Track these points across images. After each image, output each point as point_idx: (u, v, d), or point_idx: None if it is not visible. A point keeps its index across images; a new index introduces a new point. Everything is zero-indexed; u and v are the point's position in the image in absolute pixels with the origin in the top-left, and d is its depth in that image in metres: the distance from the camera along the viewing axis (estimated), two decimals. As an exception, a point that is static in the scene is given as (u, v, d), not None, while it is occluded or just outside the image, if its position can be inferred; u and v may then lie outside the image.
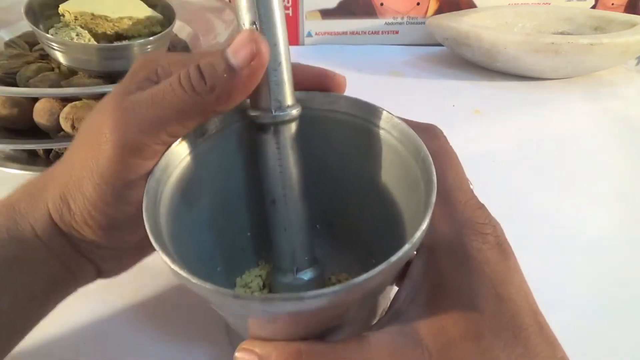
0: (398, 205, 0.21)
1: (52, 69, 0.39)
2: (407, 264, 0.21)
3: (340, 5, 0.66)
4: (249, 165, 0.25)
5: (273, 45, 0.20)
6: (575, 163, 0.44)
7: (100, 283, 0.24)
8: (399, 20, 0.68)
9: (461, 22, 0.58)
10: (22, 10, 0.37)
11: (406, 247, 0.17)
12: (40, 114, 0.36)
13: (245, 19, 0.19)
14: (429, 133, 0.22)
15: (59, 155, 0.36)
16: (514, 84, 0.58)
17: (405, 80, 0.60)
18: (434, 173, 0.19)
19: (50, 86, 0.36)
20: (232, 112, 0.23)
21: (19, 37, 0.43)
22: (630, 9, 0.69)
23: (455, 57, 0.64)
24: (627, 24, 0.58)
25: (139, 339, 0.28)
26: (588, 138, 0.48)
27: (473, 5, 0.67)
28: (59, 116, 0.35)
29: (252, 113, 0.21)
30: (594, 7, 0.69)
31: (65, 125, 0.35)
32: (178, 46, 0.46)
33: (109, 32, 0.40)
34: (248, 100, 0.22)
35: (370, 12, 0.67)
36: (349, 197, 0.26)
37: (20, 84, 0.37)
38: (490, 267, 0.19)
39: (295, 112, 0.21)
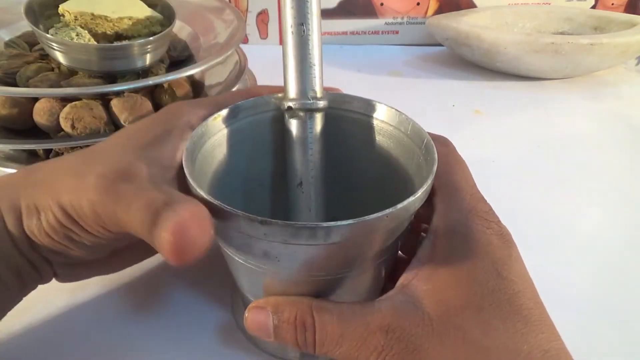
0: (401, 192, 0.22)
1: (52, 69, 0.39)
2: (411, 252, 0.22)
3: (340, 5, 0.66)
4: (273, 153, 0.27)
5: (313, 46, 0.23)
6: (575, 163, 0.44)
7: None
8: (399, 20, 0.68)
9: (461, 22, 0.58)
10: (22, 10, 0.37)
11: (410, 198, 0.19)
12: (40, 114, 0.36)
13: (292, 21, 0.22)
14: (439, 141, 0.24)
15: (58, 155, 0.36)
16: (514, 84, 0.58)
17: (405, 80, 0.60)
18: (435, 152, 0.22)
19: (51, 86, 0.36)
20: (263, 101, 0.26)
21: (19, 37, 0.43)
22: (630, 9, 0.69)
23: (455, 57, 0.64)
24: (627, 24, 0.58)
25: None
26: (588, 138, 0.48)
27: (473, 5, 0.67)
28: (59, 116, 0.35)
29: (290, 100, 0.24)
30: (594, 7, 0.69)
31: (65, 125, 0.35)
32: (178, 46, 0.46)
33: (108, 32, 0.40)
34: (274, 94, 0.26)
35: (370, 12, 0.67)
36: (355, 193, 0.28)
37: (20, 84, 0.37)
38: (492, 249, 0.20)
39: (326, 102, 0.24)
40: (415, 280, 0.20)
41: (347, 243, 0.19)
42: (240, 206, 0.18)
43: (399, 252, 0.25)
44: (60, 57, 0.37)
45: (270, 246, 0.19)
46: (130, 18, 0.40)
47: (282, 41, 0.23)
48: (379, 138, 0.26)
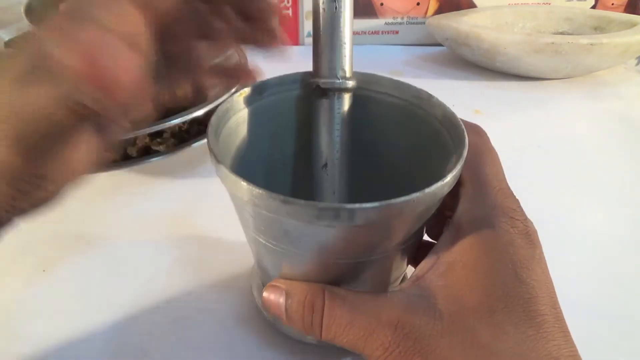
0: (428, 179, 0.22)
1: None
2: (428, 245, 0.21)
3: (340, 5, 0.66)
4: (297, 132, 0.27)
5: (344, 24, 0.22)
6: (575, 163, 0.44)
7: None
8: (399, 20, 0.68)
9: (461, 22, 0.58)
10: (22, 9, 0.37)
11: (438, 183, 0.18)
12: None
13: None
14: (473, 129, 0.24)
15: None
16: (514, 84, 0.58)
17: (405, 80, 0.59)
18: (466, 138, 0.21)
19: None
20: (289, 79, 0.25)
21: (19, 37, 0.42)
22: (630, 9, 0.69)
23: (455, 57, 0.64)
24: (627, 24, 0.58)
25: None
26: (588, 138, 0.48)
27: (473, 5, 0.67)
28: None
29: (320, 79, 0.23)
30: (594, 7, 0.69)
31: None
32: None
33: None
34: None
35: (370, 12, 0.67)
36: (381, 176, 0.27)
37: None
38: (514, 250, 0.19)
39: (355, 83, 0.24)
40: (431, 274, 0.20)
41: (371, 226, 0.18)
42: (262, 184, 0.18)
43: (425, 235, 0.25)
44: None
45: (291, 226, 0.19)
46: None
47: (313, 17, 0.23)
48: (407, 121, 0.25)
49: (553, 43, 0.53)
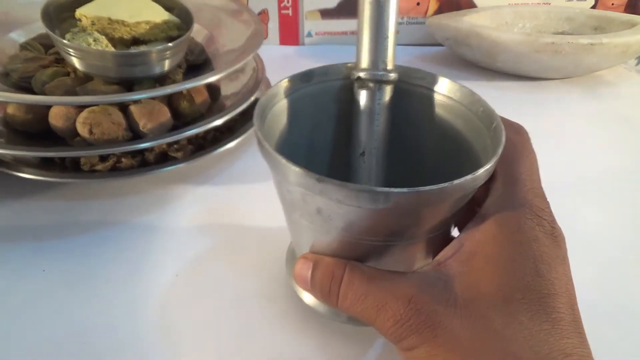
0: (463, 174, 0.22)
1: (68, 74, 0.38)
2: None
3: (340, 5, 0.66)
4: (338, 121, 0.28)
5: (388, 17, 0.23)
6: (575, 163, 0.44)
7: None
8: (399, 20, 0.68)
9: (461, 22, 0.58)
10: (39, 14, 0.36)
11: (468, 176, 0.19)
12: (56, 118, 0.35)
13: None
14: (513, 128, 0.24)
15: (75, 161, 0.35)
16: (514, 84, 0.58)
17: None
18: (503, 136, 0.21)
19: (66, 92, 0.36)
20: (334, 69, 0.26)
21: (34, 39, 0.42)
22: (630, 9, 0.69)
23: (455, 57, 0.64)
24: (627, 24, 0.58)
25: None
26: (588, 138, 0.48)
27: (473, 5, 0.67)
28: (75, 121, 0.35)
29: (361, 71, 0.24)
30: (594, 7, 0.69)
31: (82, 131, 0.34)
32: (195, 50, 0.45)
33: (125, 37, 0.39)
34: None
35: (370, 12, 0.67)
36: (417, 168, 0.28)
37: (35, 89, 0.37)
38: (538, 246, 0.20)
39: (396, 75, 0.24)
40: (452, 260, 0.20)
41: (399, 211, 0.19)
42: (301, 166, 0.19)
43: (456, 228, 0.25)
44: (76, 62, 0.36)
45: (324, 204, 0.20)
46: (147, 22, 0.39)
47: (358, 10, 0.23)
48: (446, 115, 0.26)
49: (553, 43, 0.53)
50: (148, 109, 0.36)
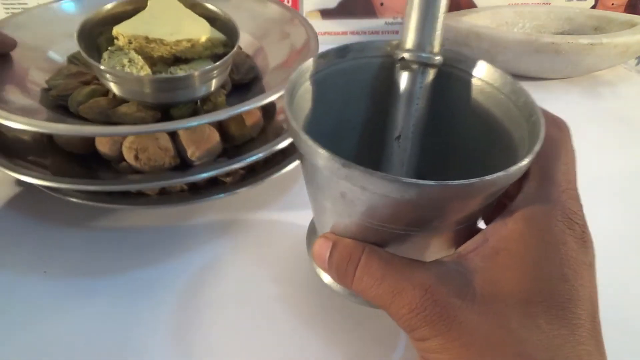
0: (497, 166, 0.22)
1: (106, 93, 0.36)
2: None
3: (340, 5, 0.66)
4: (370, 99, 0.27)
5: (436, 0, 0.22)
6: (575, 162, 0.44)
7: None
8: (399, 20, 0.68)
9: (461, 22, 0.58)
10: (75, 35, 0.33)
11: (500, 173, 0.18)
12: (103, 142, 0.34)
13: None
14: (554, 123, 0.23)
15: (119, 172, 0.33)
16: (514, 84, 0.58)
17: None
18: (542, 131, 0.20)
19: (100, 113, 0.34)
20: (372, 46, 0.25)
21: (75, 55, 0.40)
22: (630, 9, 0.69)
23: (455, 57, 0.64)
24: (627, 24, 0.58)
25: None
26: (588, 138, 0.48)
27: (473, 5, 0.67)
28: (121, 144, 0.33)
29: (406, 52, 0.23)
30: (594, 7, 0.69)
31: (128, 156, 0.33)
32: (242, 68, 0.41)
33: (166, 56, 0.36)
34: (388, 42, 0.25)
35: (370, 12, 0.67)
36: (451, 155, 0.27)
37: (71, 108, 0.35)
38: (566, 250, 0.19)
39: (441, 59, 0.23)
40: (474, 254, 0.20)
41: (424, 203, 0.19)
42: (329, 145, 0.19)
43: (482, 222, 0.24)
44: (113, 87, 0.34)
45: (348, 189, 0.19)
46: (189, 40, 0.36)
47: None
48: (485, 103, 0.25)
49: (553, 43, 0.53)
50: (197, 135, 0.34)
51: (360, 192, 0.19)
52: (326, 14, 0.67)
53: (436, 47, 0.23)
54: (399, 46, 0.24)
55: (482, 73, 0.24)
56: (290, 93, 0.22)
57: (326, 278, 0.26)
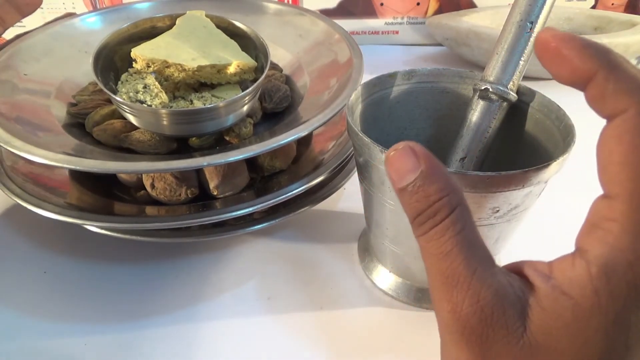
0: None
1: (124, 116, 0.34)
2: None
3: (340, 5, 0.66)
4: (436, 120, 0.30)
5: (530, 44, 0.25)
6: (575, 162, 0.44)
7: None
8: (399, 20, 0.68)
9: (461, 22, 0.58)
10: (91, 62, 0.31)
11: (539, 166, 0.22)
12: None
13: (523, 16, 0.24)
14: None
15: (142, 210, 0.31)
16: (514, 84, 0.58)
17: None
18: (574, 133, 0.24)
19: (114, 137, 0.33)
20: (443, 72, 0.29)
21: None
22: (630, 9, 0.69)
23: (455, 57, 0.64)
24: (627, 24, 0.58)
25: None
26: (588, 138, 0.48)
27: (473, 5, 0.67)
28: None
29: (489, 83, 0.25)
30: (594, 7, 0.69)
31: (145, 182, 0.31)
32: (275, 96, 0.37)
33: (188, 82, 0.34)
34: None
35: (370, 12, 0.67)
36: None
37: (87, 128, 0.34)
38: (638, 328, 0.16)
39: (516, 96, 0.26)
40: (541, 291, 0.17)
41: (480, 192, 0.21)
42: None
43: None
44: (132, 119, 0.32)
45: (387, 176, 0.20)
46: (213, 66, 0.33)
47: (505, 25, 0.25)
48: (534, 130, 0.27)
49: (553, 43, 0.53)
50: (223, 168, 0.31)
51: None
52: (326, 14, 0.67)
53: (516, 85, 0.25)
54: (483, 77, 0.26)
55: (537, 102, 0.27)
56: (354, 101, 0.26)
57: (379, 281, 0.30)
